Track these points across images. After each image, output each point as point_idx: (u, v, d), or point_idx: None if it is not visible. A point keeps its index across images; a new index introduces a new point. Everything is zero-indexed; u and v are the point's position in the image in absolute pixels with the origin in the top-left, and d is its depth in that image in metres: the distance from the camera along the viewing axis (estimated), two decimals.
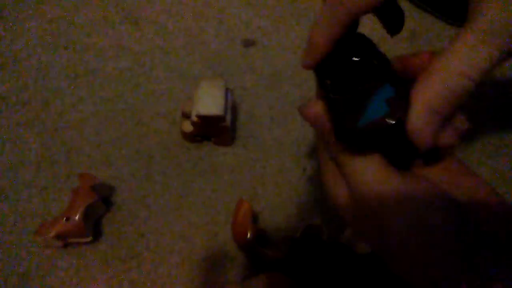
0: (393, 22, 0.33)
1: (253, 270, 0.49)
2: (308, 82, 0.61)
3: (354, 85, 0.26)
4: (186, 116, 0.54)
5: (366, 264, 0.47)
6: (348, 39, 0.28)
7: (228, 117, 0.53)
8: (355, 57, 0.27)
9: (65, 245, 0.49)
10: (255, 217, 0.51)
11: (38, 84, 0.60)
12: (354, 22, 0.27)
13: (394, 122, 0.24)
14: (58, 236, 0.47)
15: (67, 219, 0.47)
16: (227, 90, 0.54)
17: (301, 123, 0.58)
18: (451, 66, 0.22)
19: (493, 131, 0.57)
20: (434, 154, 0.27)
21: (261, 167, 0.55)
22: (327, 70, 0.28)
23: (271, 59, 0.64)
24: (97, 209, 0.50)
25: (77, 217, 0.46)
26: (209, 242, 0.51)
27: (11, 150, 0.55)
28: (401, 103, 0.24)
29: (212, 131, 0.54)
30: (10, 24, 0.65)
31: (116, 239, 0.50)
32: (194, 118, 0.51)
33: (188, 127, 0.54)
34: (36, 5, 0.67)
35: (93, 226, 0.50)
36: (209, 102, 0.51)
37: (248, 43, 0.65)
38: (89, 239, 0.48)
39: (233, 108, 0.56)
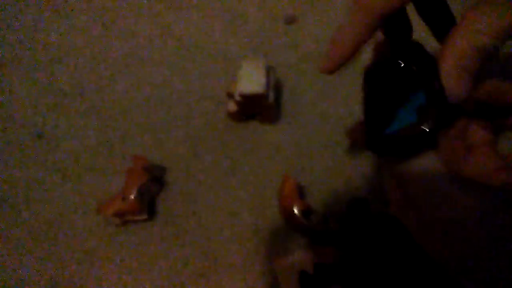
0: (441, 26, 0.31)
1: (301, 244, 0.50)
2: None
3: (389, 92, 0.27)
4: (230, 96, 0.55)
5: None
6: (399, 46, 0.28)
7: (271, 95, 0.53)
8: (397, 63, 0.27)
9: (124, 223, 0.52)
10: (301, 192, 0.52)
11: (93, 73, 0.64)
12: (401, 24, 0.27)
13: (418, 132, 0.24)
14: (116, 214, 0.50)
15: (123, 199, 0.50)
16: (268, 68, 0.54)
17: (345, 97, 0.58)
18: (475, 25, 0.23)
19: None
20: None
21: (306, 143, 0.56)
22: (369, 76, 0.28)
23: (313, 35, 0.63)
24: (151, 189, 0.52)
25: (132, 196, 0.49)
26: (258, 217, 0.52)
27: (72, 137, 0.59)
28: (430, 112, 0.24)
29: (256, 109, 0.55)
30: (64, 17, 0.69)
31: (169, 217, 0.53)
32: (238, 97, 0.52)
33: (233, 106, 0.55)
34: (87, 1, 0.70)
35: (148, 205, 0.53)
36: (250, 81, 0.51)
37: (290, 20, 0.65)
38: (145, 216, 0.51)
39: (276, 85, 0.56)
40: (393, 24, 0.30)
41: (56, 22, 0.69)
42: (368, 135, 0.26)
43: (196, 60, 0.63)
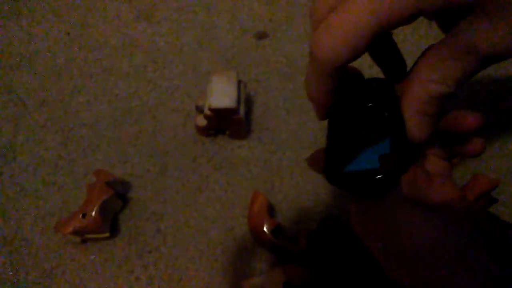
0: (392, 69, 0.32)
1: (270, 263, 0.48)
2: None
3: (356, 130, 0.26)
4: (200, 110, 0.54)
5: None
6: (369, 83, 0.28)
7: (242, 110, 0.52)
8: (368, 103, 0.27)
9: (84, 241, 0.49)
10: (271, 210, 0.50)
11: (55, 84, 0.61)
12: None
13: (375, 179, 0.24)
14: (76, 232, 0.47)
15: (84, 215, 0.47)
16: (239, 83, 0.53)
17: None
18: (431, 75, 0.24)
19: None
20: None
21: (277, 160, 0.55)
22: (337, 110, 0.28)
23: (284, 50, 0.63)
24: (114, 205, 0.50)
25: (93, 213, 0.47)
26: (226, 235, 0.50)
27: (30, 149, 0.56)
28: (391, 162, 0.24)
29: (226, 124, 0.53)
30: (26, 24, 0.66)
31: (133, 235, 0.50)
32: (207, 112, 0.51)
33: (202, 121, 0.54)
34: (51, 6, 0.68)
35: (111, 222, 0.50)
36: (221, 95, 0.50)
37: (261, 36, 0.64)
38: (107, 234, 0.48)
39: (246, 100, 0.55)
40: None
41: (18, 29, 0.66)
42: (327, 168, 0.26)
43: (165, 72, 0.62)
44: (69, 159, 0.55)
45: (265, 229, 0.47)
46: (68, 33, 0.65)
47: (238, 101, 0.51)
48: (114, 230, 0.50)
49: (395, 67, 0.31)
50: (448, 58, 0.23)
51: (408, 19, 0.23)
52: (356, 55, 0.24)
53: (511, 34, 0.21)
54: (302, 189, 0.53)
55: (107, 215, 0.49)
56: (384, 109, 0.26)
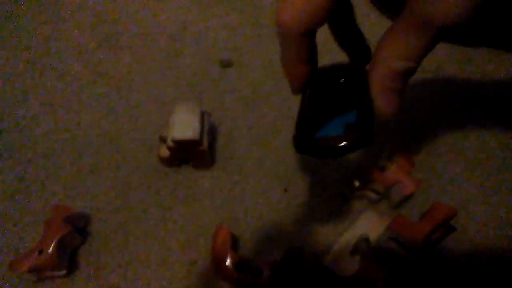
0: (357, 51, 0.34)
1: None
2: (287, 101, 0.61)
3: (327, 103, 0.29)
4: (163, 140, 0.53)
5: (349, 287, 0.46)
6: (341, 64, 0.31)
7: (205, 140, 0.52)
8: (340, 80, 0.30)
9: (40, 279, 0.47)
10: (235, 242, 0.50)
11: (13, 113, 0.59)
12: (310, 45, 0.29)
13: (338, 145, 0.27)
14: (32, 271, 0.45)
15: (40, 253, 0.45)
16: (203, 113, 0.53)
17: (280, 144, 0.57)
18: (392, 52, 0.26)
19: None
20: None
21: (241, 190, 0.54)
22: (311, 85, 0.31)
23: (249, 79, 0.63)
24: (72, 241, 0.48)
25: (50, 250, 0.45)
26: (189, 269, 0.49)
27: None
28: (356, 131, 0.27)
29: (189, 155, 0.53)
30: None
31: (92, 271, 0.49)
32: (170, 143, 0.50)
33: (165, 152, 0.53)
34: (10, 33, 0.66)
35: (69, 258, 0.48)
36: (184, 126, 0.50)
37: (226, 64, 0.65)
38: (64, 272, 0.47)
39: (210, 130, 0.55)
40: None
41: None
42: (296, 134, 0.29)
43: (127, 101, 0.61)
44: (26, 192, 0.53)
45: (227, 263, 0.46)
46: (27, 61, 0.64)
47: (202, 132, 0.51)
48: (73, 265, 0.49)
49: (359, 49, 0.34)
50: (407, 34, 0.25)
51: None
52: (316, 21, 0.26)
53: (461, 3, 0.23)
54: (266, 220, 0.52)
55: (65, 251, 0.47)
56: (354, 85, 0.29)
